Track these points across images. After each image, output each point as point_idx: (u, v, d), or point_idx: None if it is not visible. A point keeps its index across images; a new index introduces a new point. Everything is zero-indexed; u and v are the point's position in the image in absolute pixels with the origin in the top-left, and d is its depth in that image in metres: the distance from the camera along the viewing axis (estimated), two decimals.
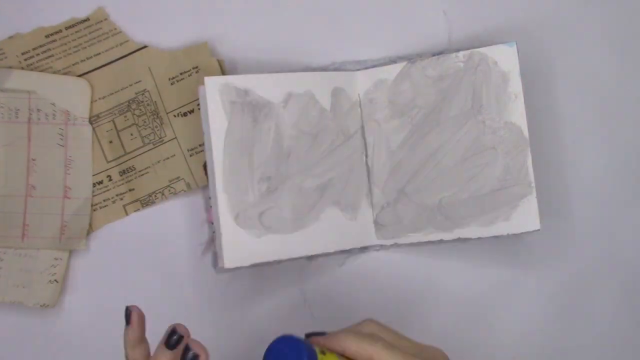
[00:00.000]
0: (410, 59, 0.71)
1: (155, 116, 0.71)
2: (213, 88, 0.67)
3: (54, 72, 0.71)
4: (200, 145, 0.71)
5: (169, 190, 0.71)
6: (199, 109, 0.69)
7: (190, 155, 0.71)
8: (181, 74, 0.71)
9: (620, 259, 0.74)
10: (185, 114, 0.71)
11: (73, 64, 0.71)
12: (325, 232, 0.69)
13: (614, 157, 0.74)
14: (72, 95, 0.70)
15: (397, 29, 0.73)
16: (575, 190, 0.74)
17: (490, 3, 0.74)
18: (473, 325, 0.73)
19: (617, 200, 0.74)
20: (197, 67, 0.71)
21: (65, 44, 0.71)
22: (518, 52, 0.69)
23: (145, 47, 0.71)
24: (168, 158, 0.71)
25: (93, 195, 0.71)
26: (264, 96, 0.68)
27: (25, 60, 0.71)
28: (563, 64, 0.74)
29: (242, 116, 0.67)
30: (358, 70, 0.72)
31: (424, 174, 0.70)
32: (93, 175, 0.71)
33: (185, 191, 0.71)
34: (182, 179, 0.71)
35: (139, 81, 0.71)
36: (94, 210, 0.71)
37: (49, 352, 0.70)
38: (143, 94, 0.71)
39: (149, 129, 0.71)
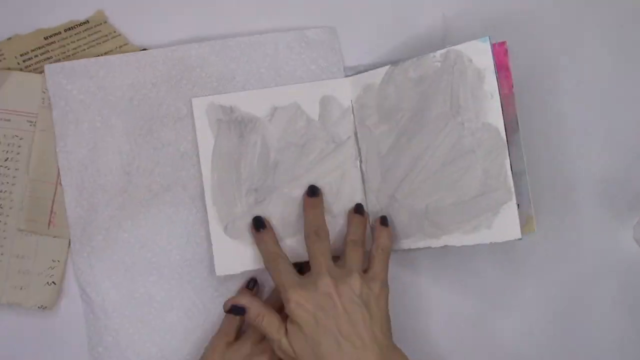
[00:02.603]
0: (394, 62, 0.70)
1: None
2: (200, 108, 0.71)
3: None
4: None
5: None
6: None
7: None
8: None
9: (619, 258, 0.72)
10: None
11: None
12: None
13: (614, 157, 0.72)
14: None
15: (392, 35, 0.74)
16: (575, 189, 0.72)
17: (490, 2, 0.73)
18: (473, 325, 0.73)
19: (617, 200, 0.72)
20: None
21: (64, 46, 0.72)
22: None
23: (144, 49, 0.73)
24: None
25: None
26: (249, 112, 0.71)
27: (24, 61, 0.71)
28: (563, 64, 0.72)
29: (228, 133, 0.71)
30: (348, 76, 0.72)
31: (411, 178, 0.69)
32: None
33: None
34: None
35: None
36: None
37: (47, 353, 0.71)
38: None
39: None
